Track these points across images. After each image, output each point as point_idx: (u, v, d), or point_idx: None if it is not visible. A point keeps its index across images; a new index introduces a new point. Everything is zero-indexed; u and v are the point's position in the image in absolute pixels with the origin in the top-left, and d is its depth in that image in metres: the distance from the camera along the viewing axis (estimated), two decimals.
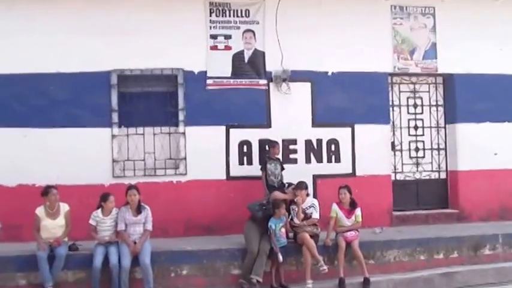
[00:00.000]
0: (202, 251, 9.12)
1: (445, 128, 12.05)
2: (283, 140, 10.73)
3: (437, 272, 9.64)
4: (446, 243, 10.03)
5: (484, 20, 11.89)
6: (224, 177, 10.57)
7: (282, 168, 10.16)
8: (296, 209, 9.33)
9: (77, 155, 9.97)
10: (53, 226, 8.60)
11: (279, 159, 10.26)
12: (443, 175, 12.03)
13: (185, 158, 10.40)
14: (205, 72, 10.59)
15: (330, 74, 11.15)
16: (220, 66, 10.66)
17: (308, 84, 11.04)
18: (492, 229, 10.67)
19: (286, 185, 9.75)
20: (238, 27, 10.83)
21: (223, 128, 10.61)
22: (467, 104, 11.78)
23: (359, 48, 11.23)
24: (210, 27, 10.69)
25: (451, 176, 11.92)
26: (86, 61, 10.12)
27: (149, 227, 8.77)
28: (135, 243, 8.55)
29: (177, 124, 10.46)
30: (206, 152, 10.41)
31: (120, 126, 10.27)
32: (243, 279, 8.84)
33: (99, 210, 8.71)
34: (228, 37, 10.75)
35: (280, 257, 8.88)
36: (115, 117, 10.21)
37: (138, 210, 8.74)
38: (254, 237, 9.04)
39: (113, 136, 10.18)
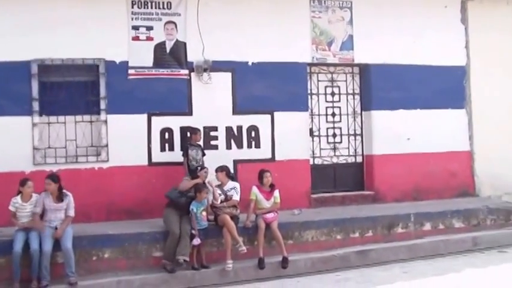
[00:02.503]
0: (124, 234, 9.24)
1: (361, 115, 12.53)
2: (204, 127, 10.94)
3: (352, 250, 10.06)
4: (361, 223, 10.48)
5: (399, 14, 12.47)
6: (146, 163, 10.71)
7: (203, 154, 10.43)
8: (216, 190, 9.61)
9: None
10: None
11: (200, 145, 10.51)
12: (359, 159, 12.51)
13: (107, 145, 10.48)
14: (127, 62, 10.69)
15: (250, 64, 11.44)
16: (142, 56, 10.80)
17: (229, 74, 11.30)
18: (405, 209, 11.20)
19: (199, 168, 9.93)
20: (160, 19, 10.99)
21: (145, 116, 10.75)
22: (382, 93, 12.30)
23: (279, 40, 11.57)
24: (132, 19, 10.80)
25: (367, 160, 12.42)
26: (5, 51, 10.03)
27: (71, 213, 8.81)
28: (56, 228, 8.60)
29: (98, 112, 10.53)
30: (128, 139, 10.52)
31: (41, 115, 10.25)
32: (166, 260, 9.00)
33: (19, 197, 8.69)
34: (149, 28, 10.89)
35: (198, 240, 9.11)
36: (35, 106, 10.18)
37: (60, 197, 8.77)
38: (174, 220, 9.24)
39: (34, 124, 10.15)
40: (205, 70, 11.02)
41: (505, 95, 13.27)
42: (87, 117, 10.53)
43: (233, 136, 11.30)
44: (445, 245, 10.58)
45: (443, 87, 12.73)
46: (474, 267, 9.46)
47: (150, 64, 10.88)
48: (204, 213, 9.37)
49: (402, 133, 12.37)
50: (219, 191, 9.69)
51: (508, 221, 11.59)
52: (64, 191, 8.85)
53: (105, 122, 10.52)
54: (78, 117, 10.48)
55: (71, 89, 10.49)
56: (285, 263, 9.36)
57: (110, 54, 10.60)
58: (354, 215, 10.66)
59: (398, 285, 8.61)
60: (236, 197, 9.66)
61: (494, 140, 12.95)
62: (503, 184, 13.03)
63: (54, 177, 8.86)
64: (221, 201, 9.57)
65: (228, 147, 11.25)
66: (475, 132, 13.02)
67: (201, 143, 10.61)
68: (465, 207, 11.47)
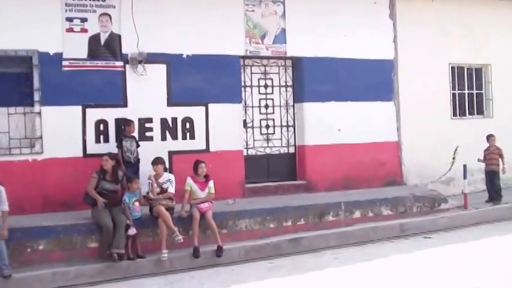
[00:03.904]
0: (59, 226, 9.23)
1: (293, 106, 12.82)
2: (139, 119, 11.03)
3: (285, 238, 10.30)
4: (294, 211, 10.74)
5: (330, 9, 12.81)
6: (81, 154, 10.69)
7: (138, 145, 10.56)
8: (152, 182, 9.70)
9: None
10: None
11: (134, 136, 10.62)
12: (292, 150, 12.81)
13: (41, 137, 10.41)
14: (61, 53, 10.62)
15: (185, 56, 11.54)
16: (76, 48, 10.76)
17: (164, 66, 11.37)
18: (336, 198, 11.55)
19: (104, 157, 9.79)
20: (95, 11, 10.95)
21: (80, 107, 10.72)
22: (314, 85, 12.61)
23: (213, 33, 11.70)
24: (66, 10, 10.72)
25: (299, 151, 12.72)
26: None
27: (4, 207, 8.50)
28: None
29: (32, 104, 10.45)
30: (63, 131, 10.49)
31: None
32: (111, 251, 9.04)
33: None
34: (84, 20, 10.84)
35: (134, 230, 9.21)
36: None
37: None
38: (103, 213, 9.26)
39: None
40: (140, 62, 11.07)
41: (431, 87, 13.86)
42: (20, 109, 10.43)
43: (168, 127, 11.39)
44: (374, 232, 10.96)
45: (373, 80, 13.15)
46: (401, 252, 9.82)
47: (85, 56, 10.85)
48: (137, 203, 9.49)
49: (333, 124, 12.74)
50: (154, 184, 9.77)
51: (433, 208, 12.10)
52: None
53: (39, 113, 10.45)
54: (11, 109, 10.37)
55: (3, 81, 10.36)
56: (219, 251, 9.52)
57: (43, 45, 10.51)
58: (286, 204, 10.93)
59: (329, 271, 8.85)
60: (171, 190, 9.75)
61: (421, 131, 13.51)
62: (429, 173, 13.65)
63: None
64: (157, 194, 9.66)
65: (163, 138, 11.34)
66: (403, 124, 13.53)
67: (135, 134, 10.70)
68: (393, 196, 11.92)
